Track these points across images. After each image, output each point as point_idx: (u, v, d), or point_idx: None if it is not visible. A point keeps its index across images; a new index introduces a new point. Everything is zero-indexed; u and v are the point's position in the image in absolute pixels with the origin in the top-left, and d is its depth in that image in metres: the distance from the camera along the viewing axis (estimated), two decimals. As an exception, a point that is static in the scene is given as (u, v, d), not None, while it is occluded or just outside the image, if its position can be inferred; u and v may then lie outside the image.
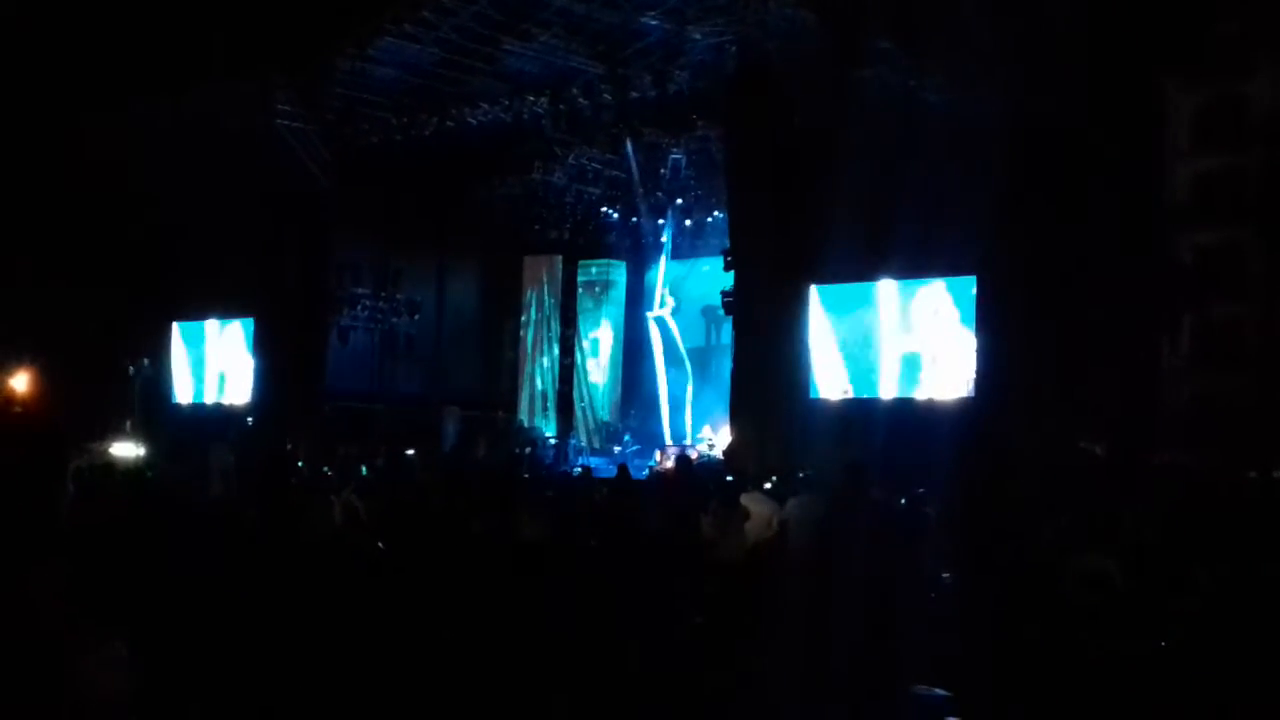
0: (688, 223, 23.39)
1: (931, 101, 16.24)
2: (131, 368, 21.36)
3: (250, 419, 21.84)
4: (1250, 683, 5.83)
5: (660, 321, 24.83)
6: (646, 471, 18.58)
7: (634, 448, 23.46)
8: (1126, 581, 7.43)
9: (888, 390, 17.56)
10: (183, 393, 24.07)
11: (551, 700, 5.94)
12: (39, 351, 18.61)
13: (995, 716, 6.06)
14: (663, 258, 24.52)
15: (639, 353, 25.46)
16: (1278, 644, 6.27)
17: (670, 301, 24.53)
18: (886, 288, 17.76)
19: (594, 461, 21.57)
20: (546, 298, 26.24)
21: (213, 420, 22.11)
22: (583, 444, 24.99)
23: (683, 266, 24.65)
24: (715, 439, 21.13)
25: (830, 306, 18.16)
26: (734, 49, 17.49)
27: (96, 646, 3.18)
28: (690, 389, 24.16)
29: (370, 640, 6.55)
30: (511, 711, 5.88)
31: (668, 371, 24.60)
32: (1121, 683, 5.96)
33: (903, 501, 10.65)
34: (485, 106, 20.17)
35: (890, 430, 15.84)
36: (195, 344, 24.13)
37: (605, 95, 19.26)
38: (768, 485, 11.91)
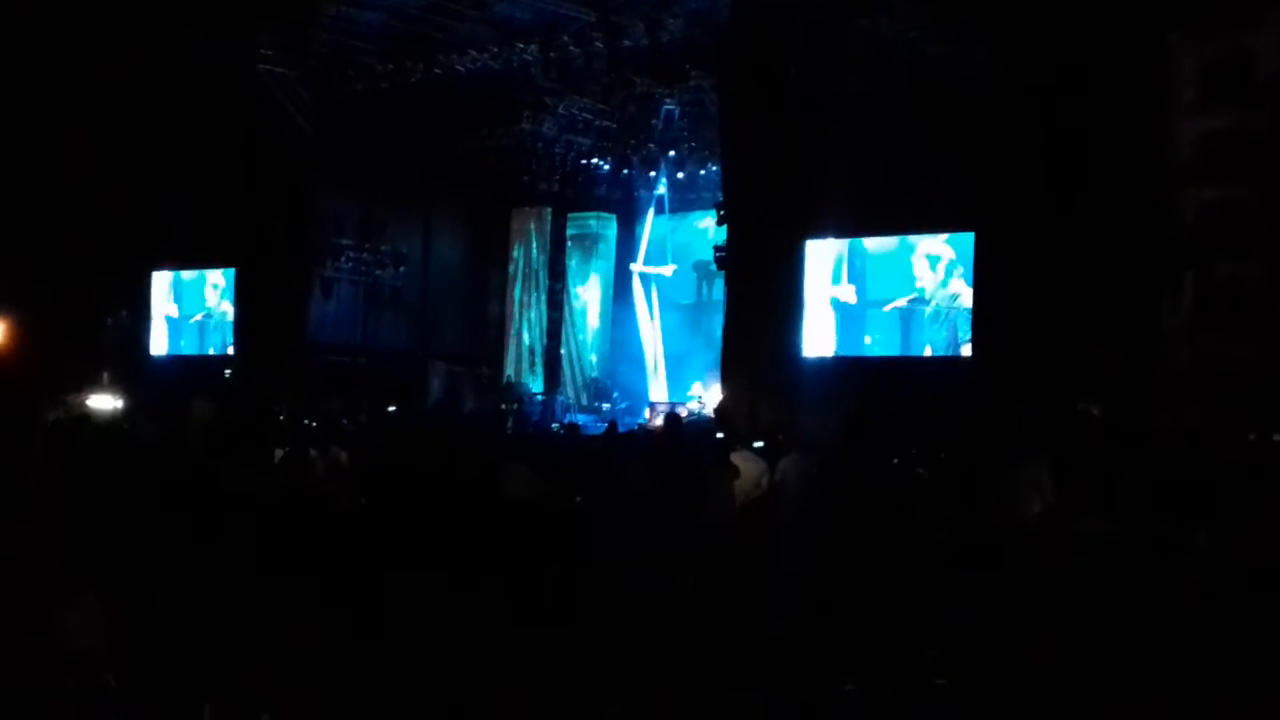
0: (680, 175, 23.06)
1: (931, 53, 15.91)
2: (109, 318, 21.05)
3: (230, 371, 21.57)
4: (1248, 648, 5.72)
5: (643, 277, 24.70)
6: (636, 429, 18.39)
7: (623, 405, 23.31)
8: (1124, 545, 7.30)
9: (883, 348, 17.35)
10: (161, 343, 23.75)
11: (540, 661, 5.82)
12: (13, 301, 18.23)
13: (990, 679, 5.96)
14: (650, 211, 24.31)
15: (629, 308, 25.26)
16: (1276, 608, 6.15)
17: (672, 265, 24.32)
18: (883, 242, 17.52)
19: (581, 419, 21.43)
20: (535, 251, 25.96)
21: (192, 372, 21.84)
22: (570, 400, 24.82)
23: (674, 220, 24.39)
24: (706, 396, 20.96)
25: (826, 261, 17.88)
26: (729, -4, 17.09)
27: (72, 601, 3.09)
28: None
29: (354, 597, 6.40)
30: (499, 672, 5.75)
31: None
32: (1118, 647, 5.86)
33: (896, 461, 10.50)
34: (474, 54, 19.72)
35: (885, 389, 15.64)
36: (174, 294, 23.79)
37: (597, 43, 18.85)
38: (758, 444, 11.71)
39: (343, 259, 22.61)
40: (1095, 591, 6.61)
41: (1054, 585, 6.57)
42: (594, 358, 25.79)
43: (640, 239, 24.90)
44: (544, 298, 26.00)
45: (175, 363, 23.24)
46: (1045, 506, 7.39)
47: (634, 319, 25.04)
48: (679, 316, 24.87)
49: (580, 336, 25.93)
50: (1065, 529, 7.33)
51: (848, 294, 17.71)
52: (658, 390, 23.92)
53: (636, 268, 24.84)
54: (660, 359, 24.36)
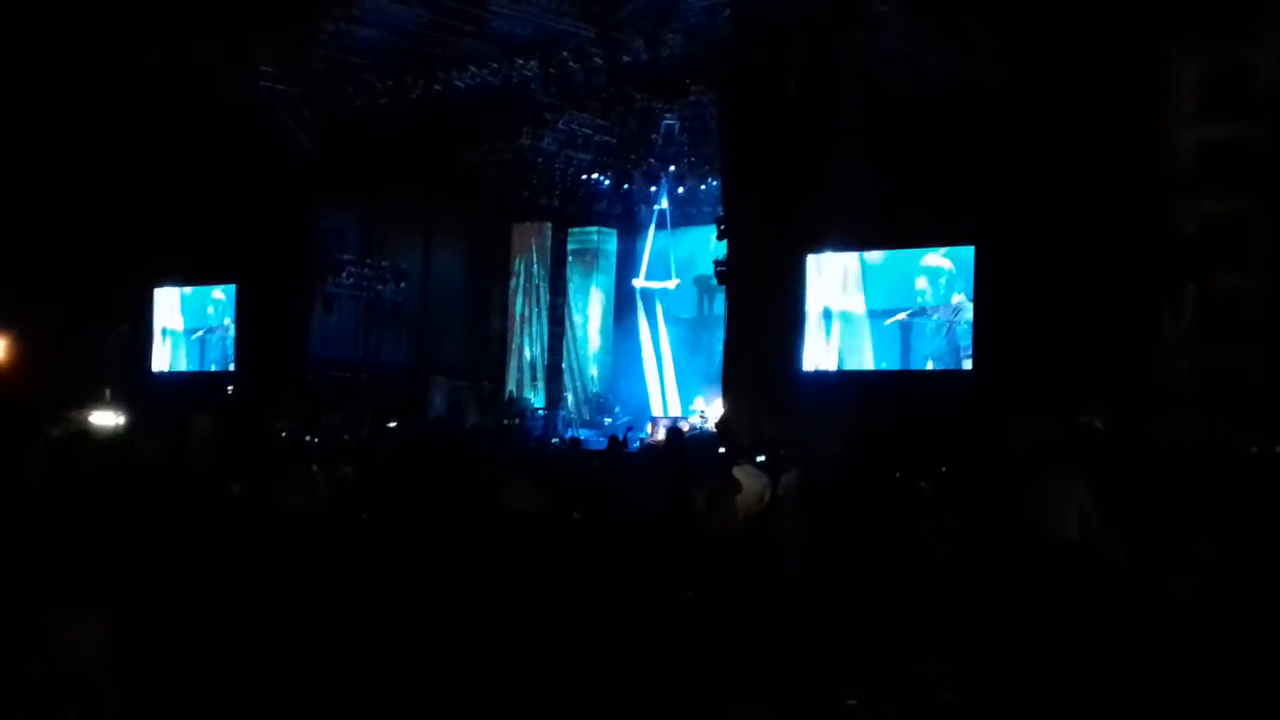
0: (681, 190, 23.09)
1: (930, 67, 15.94)
2: (110, 334, 21.05)
3: (231, 387, 21.57)
4: (1248, 655, 5.73)
5: (645, 292, 24.76)
6: (637, 444, 18.39)
7: (624, 419, 23.30)
8: (1127, 555, 7.30)
9: (884, 362, 17.34)
10: (162, 360, 23.76)
11: (543, 675, 5.81)
12: (15, 318, 18.26)
13: (993, 690, 5.95)
14: (651, 226, 24.37)
15: (630, 323, 25.30)
16: (1276, 617, 6.16)
17: (676, 279, 24.39)
18: (884, 257, 17.53)
19: (583, 433, 21.41)
20: (535, 266, 25.99)
21: (193, 388, 21.84)
22: (572, 415, 24.82)
23: (675, 235, 24.43)
24: (708, 410, 20.95)
25: (826, 275, 17.89)
26: (728, 11, 17.08)
27: (74, 618, 3.08)
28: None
29: (357, 610, 6.40)
30: (502, 685, 5.75)
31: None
32: (1122, 656, 5.86)
33: (898, 475, 10.48)
34: (473, 70, 19.75)
35: (887, 403, 15.63)
36: (177, 310, 23.81)
37: (596, 59, 18.87)
38: (760, 458, 11.70)
39: (344, 274, 22.63)
40: (1102, 602, 6.61)
41: (1069, 598, 6.57)
42: (595, 372, 25.80)
43: (642, 254, 24.96)
44: (545, 313, 26.03)
45: (176, 379, 23.24)
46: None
47: (635, 333, 25.08)
48: (680, 331, 24.91)
49: (581, 351, 25.95)
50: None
51: (855, 304, 17.69)
52: (671, 404, 23.88)
53: (639, 284, 24.88)
54: (671, 373, 24.39)
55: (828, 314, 17.77)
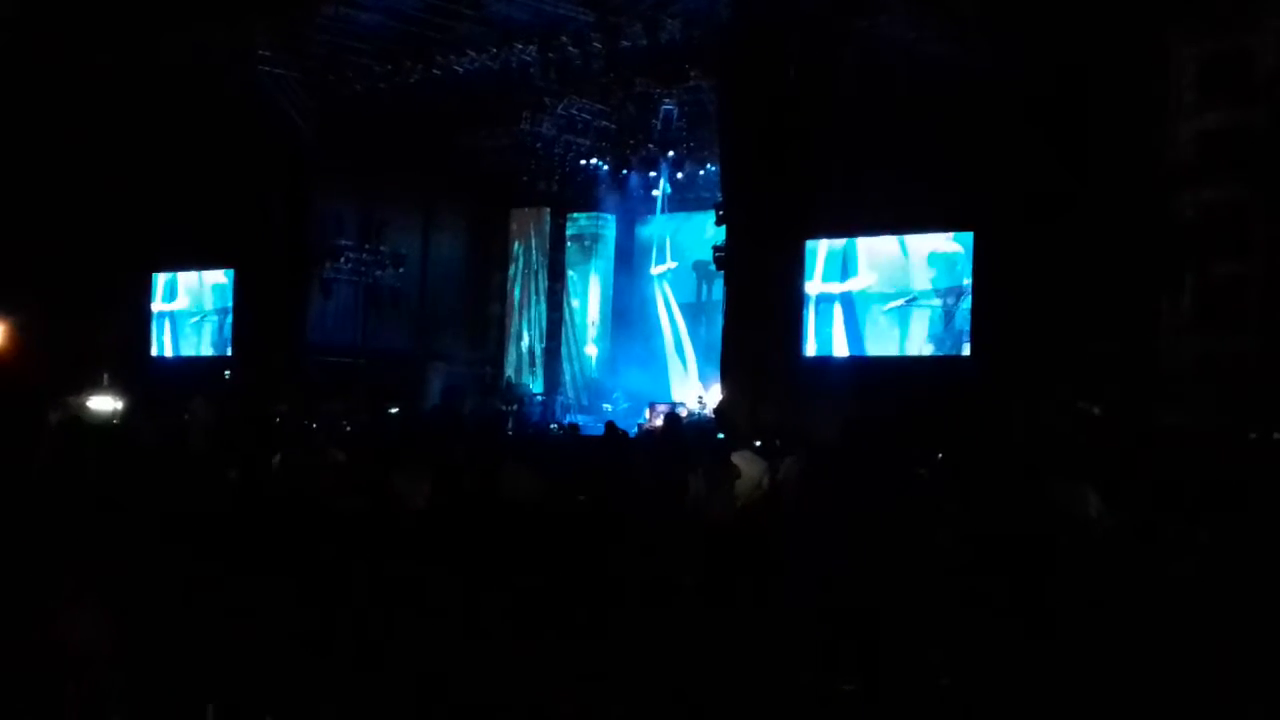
0: (679, 176, 23.07)
1: (930, 54, 15.91)
2: (109, 319, 21.06)
3: (229, 373, 21.58)
4: (1248, 641, 5.72)
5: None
6: (635, 429, 18.42)
7: (624, 405, 23.31)
8: (1127, 542, 7.30)
9: (883, 348, 17.35)
10: (161, 344, 23.76)
11: (542, 665, 5.80)
12: (13, 304, 18.24)
13: (991, 680, 5.94)
14: (656, 212, 24.38)
15: (629, 308, 25.30)
16: (1276, 604, 6.15)
17: (672, 263, 24.40)
18: (883, 243, 17.52)
19: (581, 419, 21.43)
20: (534, 251, 25.99)
21: (191, 373, 21.86)
22: (570, 401, 24.83)
23: (674, 220, 24.42)
24: (706, 396, 20.97)
25: (825, 261, 17.88)
26: (728, -5, 17.11)
27: (76, 603, 3.10)
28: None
29: (355, 599, 6.39)
30: (502, 675, 5.74)
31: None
32: (1119, 644, 5.85)
33: (897, 461, 10.47)
34: (472, 54, 19.73)
35: (884, 389, 15.64)
36: (175, 295, 23.81)
37: (595, 44, 18.85)
38: (758, 444, 11.70)
39: (342, 260, 22.61)
40: (1100, 589, 6.61)
41: (1063, 585, 6.57)
42: (594, 358, 25.81)
43: (638, 240, 24.99)
44: (543, 298, 26.04)
45: (174, 363, 23.26)
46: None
47: (633, 318, 25.13)
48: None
49: (580, 336, 25.96)
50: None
51: (854, 289, 17.66)
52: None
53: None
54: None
55: (827, 299, 17.77)
